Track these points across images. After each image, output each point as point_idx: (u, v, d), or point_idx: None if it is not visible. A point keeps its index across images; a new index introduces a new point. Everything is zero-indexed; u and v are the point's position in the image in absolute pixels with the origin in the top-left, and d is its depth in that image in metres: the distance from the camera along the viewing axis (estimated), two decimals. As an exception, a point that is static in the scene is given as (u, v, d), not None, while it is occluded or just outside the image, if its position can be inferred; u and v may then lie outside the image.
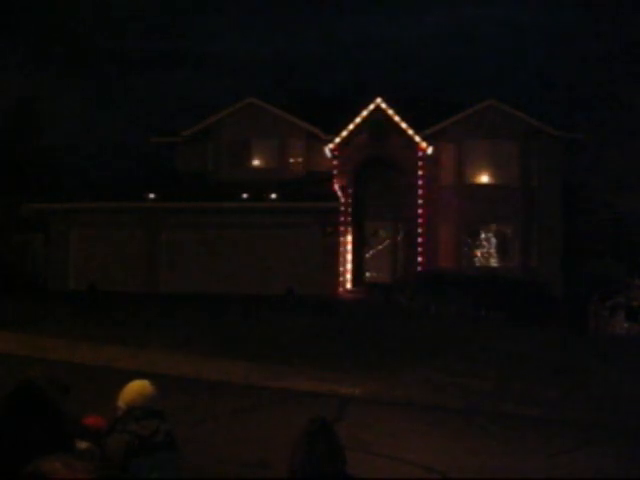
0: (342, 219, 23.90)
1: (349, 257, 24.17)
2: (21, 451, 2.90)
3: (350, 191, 24.30)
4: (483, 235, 25.20)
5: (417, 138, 24.20)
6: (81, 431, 4.10)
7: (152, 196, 23.90)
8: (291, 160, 26.05)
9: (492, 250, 25.35)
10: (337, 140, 24.36)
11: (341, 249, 23.83)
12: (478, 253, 25.34)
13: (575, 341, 17.42)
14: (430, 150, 24.39)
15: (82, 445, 3.80)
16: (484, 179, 25.39)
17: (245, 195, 23.54)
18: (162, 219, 24.06)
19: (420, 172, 24.31)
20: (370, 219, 25.39)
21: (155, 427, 3.87)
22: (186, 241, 23.85)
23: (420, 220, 24.29)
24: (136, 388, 4.15)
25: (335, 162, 24.55)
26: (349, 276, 24.18)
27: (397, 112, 24.38)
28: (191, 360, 13.17)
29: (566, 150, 25.50)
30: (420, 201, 24.32)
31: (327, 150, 24.62)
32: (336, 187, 23.97)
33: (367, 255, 25.59)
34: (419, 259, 24.32)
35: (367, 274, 25.48)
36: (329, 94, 28.20)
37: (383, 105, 24.38)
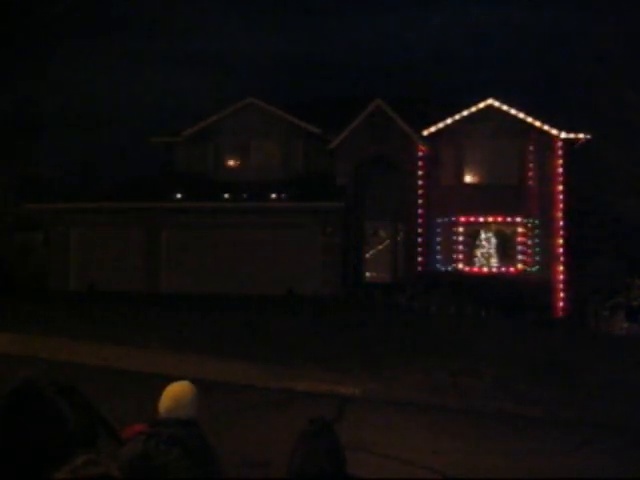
0: (342, 219, 23.88)
1: (349, 257, 24.15)
2: (22, 454, 2.80)
3: (350, 191, 24.30)
4: (483, 235, 25.17)
5: (417, 138, 24.19)
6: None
7: (152, 196, 23.90)
8: (291, 160, 26.03)
9: (492, 250, 25.32)
10: (337, 140, 24.35)
11: (341, 249, 23.81)
12: (478, 253, 25.31)
13: (575, 341, 17.42)
14: (430, 150, 24.39)
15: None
16: (484, 179, 25.36)
17: (245, 195, 23.54)
18: (162, 219, 24.04)
19: (420, 172, 24.31)
20: (370, 219, 25.35)
21: (172, 456, 3.40)
22: (186, 241, 23.84)
23: (420, 220, 24.28)
24: (172, 393, 3.70)
25: (335, 162, 24.54)
26: (349, 276, 24.16)
27: (397, 112, 24.37)
28: (191, 360, 13.17)
29: (566, 150, 25.46)
30: (420, 201, 24.31)
31: (327, 150, 24.60)
32: (336, 187, 23.96)
33: (367, 255, 25.57)
34: (419, 259, 24.31)
35: (367, 274, 25.46)
36: (329, 94, 28.21)
37: (383, 105, 24.37)
